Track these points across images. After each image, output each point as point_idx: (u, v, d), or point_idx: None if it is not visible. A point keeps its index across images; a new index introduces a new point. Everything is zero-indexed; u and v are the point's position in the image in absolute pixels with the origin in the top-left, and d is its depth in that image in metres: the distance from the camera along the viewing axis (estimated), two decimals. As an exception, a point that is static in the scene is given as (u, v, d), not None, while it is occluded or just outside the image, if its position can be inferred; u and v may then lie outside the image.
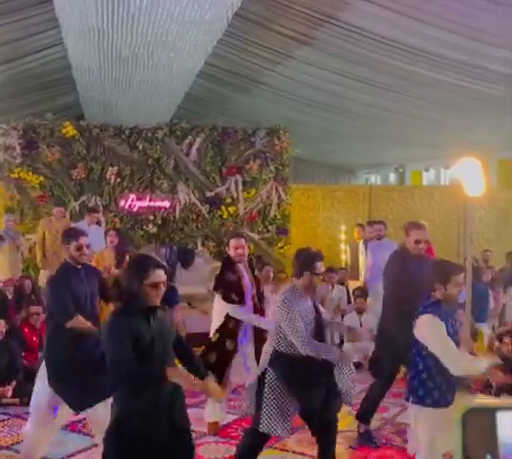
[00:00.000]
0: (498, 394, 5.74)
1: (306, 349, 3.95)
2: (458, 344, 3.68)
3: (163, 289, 3.33)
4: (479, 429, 2.04)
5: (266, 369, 4.11)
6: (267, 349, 4.21)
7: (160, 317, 3.37)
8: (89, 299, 4.34)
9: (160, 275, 3.31)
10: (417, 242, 5.03)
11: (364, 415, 5.28)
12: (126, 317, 3.25)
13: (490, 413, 2.12)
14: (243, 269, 5.39)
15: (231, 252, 5.38)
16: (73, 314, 4.21)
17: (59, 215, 8.95)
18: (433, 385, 3.62)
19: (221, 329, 5.29)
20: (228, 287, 5.29)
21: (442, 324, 3.58)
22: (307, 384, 4.02)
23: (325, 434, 4.31)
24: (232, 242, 5.41)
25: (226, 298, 5.26)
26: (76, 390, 4.22)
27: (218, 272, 5.52)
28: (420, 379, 3.67)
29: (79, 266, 4.41)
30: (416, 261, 4.96)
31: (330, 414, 4.23)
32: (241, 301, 5.24)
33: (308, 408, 4.11)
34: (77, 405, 4.25)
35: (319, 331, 4.18)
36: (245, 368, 5.26)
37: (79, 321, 4.22)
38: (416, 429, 3.74)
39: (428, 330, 3.62)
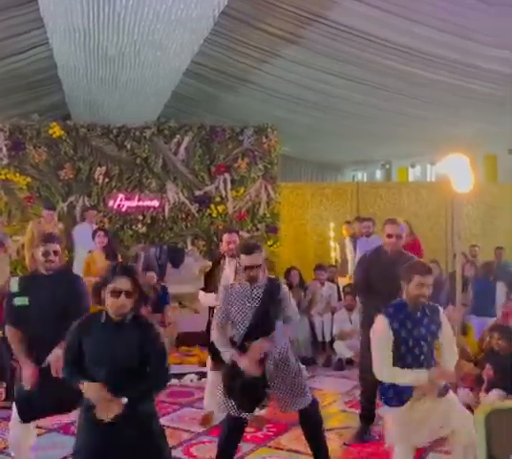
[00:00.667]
0: (488, 389, 5.79)
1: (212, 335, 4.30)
2: (413, 347, 3.66)
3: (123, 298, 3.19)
4: (502, 430, 2.04)
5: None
6: None
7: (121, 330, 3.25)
8: (49, 307, 4.11)
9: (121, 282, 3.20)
10: (389, 236, 5.20)
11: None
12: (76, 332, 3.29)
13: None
14: (230, 263, 5.49)
15: (224, 247, 5.58)
16: (9, 324, 4.19)
17: (49, 219, 8.94)
18: (391, 384, 3.69)
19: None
20: (209, 279, 5.52)
21: (385, 329, 3.60)
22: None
23: (310, 430, 4.36)
24: (225, 237, 5.62)
25: (203, 289, 5.52)
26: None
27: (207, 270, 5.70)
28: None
29: (49, 272, 4.23)
30: (388, 258, 5.13)
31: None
32: (212, 291, 5.37)
33: None
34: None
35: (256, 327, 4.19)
36: None
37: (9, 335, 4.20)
38: (386, 427, 3.87)
39: (373, 330, 3.69)
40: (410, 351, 3.64)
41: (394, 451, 3.73)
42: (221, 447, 4.20)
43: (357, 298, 7.93)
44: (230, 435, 4.21)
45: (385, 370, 3.62)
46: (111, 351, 3.18)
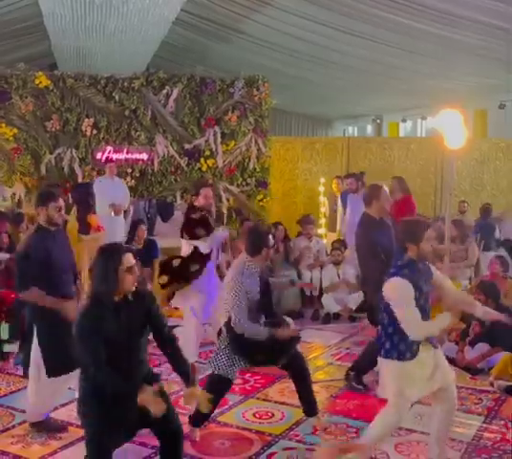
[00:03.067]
0: (473, 343, 5.91)
1: (238, 328, 4.25)
2: (427, 300, 3.73)
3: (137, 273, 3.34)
4: None
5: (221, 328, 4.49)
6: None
7: (130, 307, 3.35)
8: (67, 262, 4.42)
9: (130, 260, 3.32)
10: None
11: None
12: (93, 318, 3.25)
13: None
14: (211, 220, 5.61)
15: (201, 201, 5.62)
16: (28, 285, 4.24)
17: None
18: (398, 339, 3.68)
19: (185, 258, 5.45)
20: (194, 224, 5.49)
21: (410, 289, 3.60)
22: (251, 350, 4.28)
23: (298, 380, 4.52)
24: (204, 191, 5.66)
25: (193, 235, 5.44)
26: (53, 357, 4.33)
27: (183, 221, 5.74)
28: (387, 333, 3.74)
29: (53, 229, 4.40)
30: (379, 222, 5.28)
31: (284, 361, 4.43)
32: (209, 233, 5.43)
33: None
34: (50, 372, 4.34)
35: (266, 300, 4.49)
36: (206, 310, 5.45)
37: (33, 295, 4.25)
38: (383, 381, 3.85)
39: (395, 294, 3.66)
40: (422, 307, 3.66)
41: (388, 405, 3.77)
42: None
43: (346, 252, 8.01)
44: (217, 396, 4.28)
45: (419, 331, 3.64)
46: (126, 330, 3.29)
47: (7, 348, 4.96)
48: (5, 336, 5.06)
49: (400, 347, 3.68)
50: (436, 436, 3.90)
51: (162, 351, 3.53)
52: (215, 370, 4.34)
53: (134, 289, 3.36)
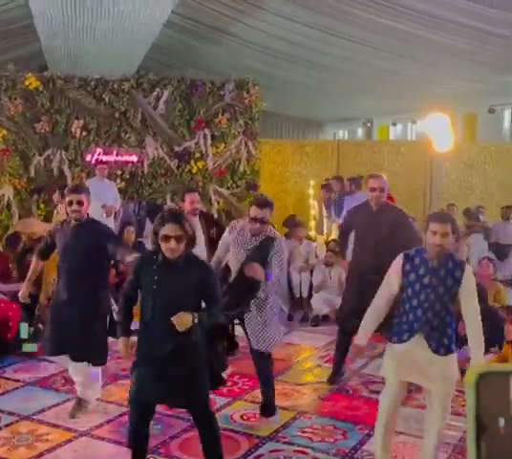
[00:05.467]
0: (460, 345, 5.92)
1: None
2: (420, 292, 3.67)
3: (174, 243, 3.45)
4: (492, 393, 2.05)
5: None
6: None
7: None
8: (70, 253, 4.55)
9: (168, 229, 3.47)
10: (372, 190, 5.39)
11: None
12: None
13: (504, 377, 2.14)
14: (195, 223, 5.59)
15: (187, 206, 5.78)
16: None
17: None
18: (397, 321, 3.79)
19: None
20: None
21: (399, 264, 3.73)
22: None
23: (259, 374, 4.73)
24: (188, 196, 5.84)
25: None
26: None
27: None
28: (393, 313, 3.85)
29: (75, 222, 4.56)
30: (372, 211, 5.38)
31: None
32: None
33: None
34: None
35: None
36: None
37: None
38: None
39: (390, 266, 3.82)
40: (416, 295, 3.67)
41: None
42: None
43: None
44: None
45: (372, 303, 3.85)
46: (165, 288, 3.48)
47: (26, 348, 4.93)
48: (25, 335, 5.02)
49: (395, 329, 3.80)
50: (425, 442, 3.87)
51: None
52: None
53: (174, 256, 3.51)
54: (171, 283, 3.49)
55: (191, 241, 3.54)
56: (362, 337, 3.92)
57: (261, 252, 4.44)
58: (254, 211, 4.41)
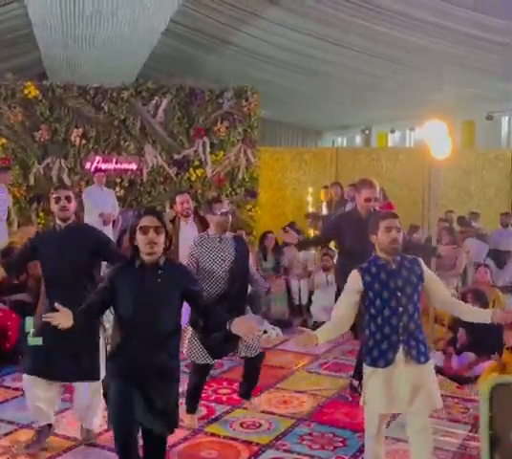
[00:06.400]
0: (460, 352, 5.94)
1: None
2: (389, 299, 3.50)
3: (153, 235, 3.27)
4: (505, 405, 1.98)
5: None
6: None
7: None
8: (55, 262, 4.15)
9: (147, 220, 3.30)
10: (367, 200, 5.09)
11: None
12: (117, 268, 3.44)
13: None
14: (188, 224, 5.78)
15: (178, 207, 5.94)
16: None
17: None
18: (372, 344, 3.54)
19: None
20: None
21: (357, 280, 3.52)
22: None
23: (248, 372, 4.87)
24: (178, 198, 5.99)
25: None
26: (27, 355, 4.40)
27: None
28: (364, 337, 3.63)
29: (62, 223, 4.20)
30: (360, 217, 5.04)
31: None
32: None
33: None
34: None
35: None
36: None
37: None
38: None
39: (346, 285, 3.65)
40: (386, 303, 3.50)
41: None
42: (191, 389, 4.69)
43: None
44: (201, 379, 4.70)
45: (333, 314, 3.60)
46: (147, 293, 3.29)
47: (32, 342, 4.93)
48: (29, 328, 4.99)
49: (374, 353, 3.53)
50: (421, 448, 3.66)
51: None
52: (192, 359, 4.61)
53: (154, 252, 3.31)
54: (152, 289, 3.29)
55: (169, 241, 3.33)
56: (321, 335, 3.53)
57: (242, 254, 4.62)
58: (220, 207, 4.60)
